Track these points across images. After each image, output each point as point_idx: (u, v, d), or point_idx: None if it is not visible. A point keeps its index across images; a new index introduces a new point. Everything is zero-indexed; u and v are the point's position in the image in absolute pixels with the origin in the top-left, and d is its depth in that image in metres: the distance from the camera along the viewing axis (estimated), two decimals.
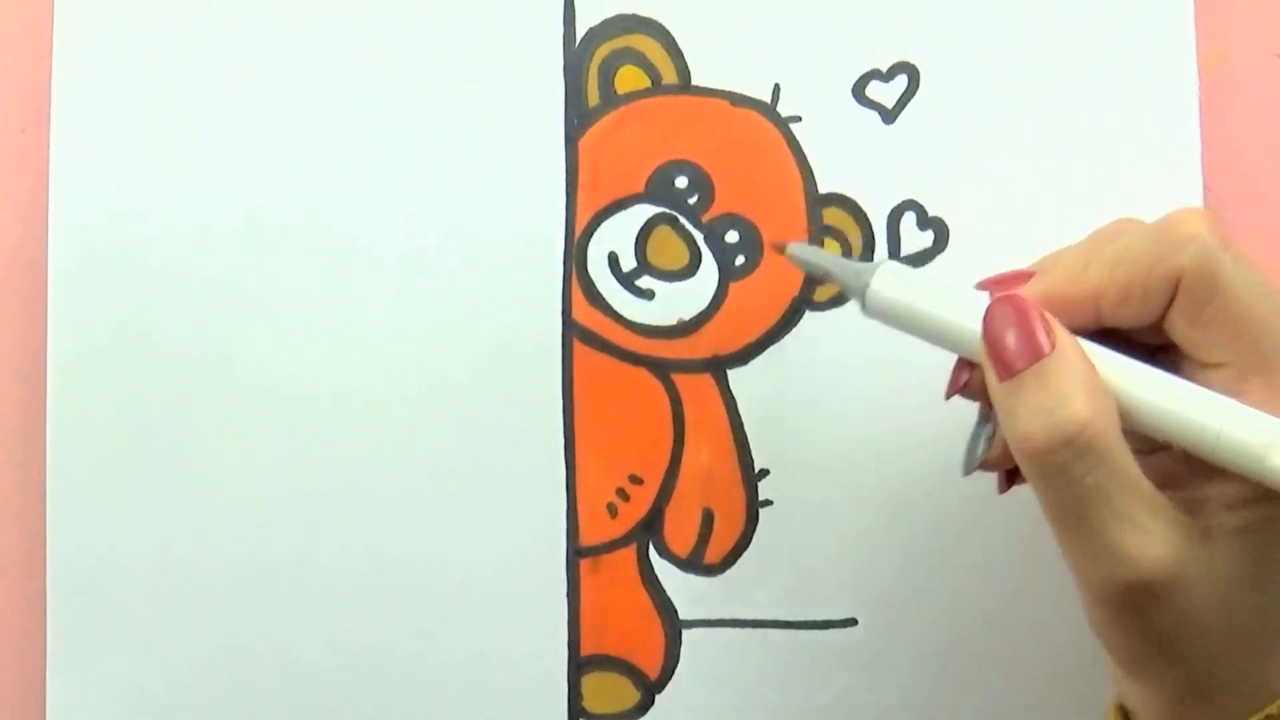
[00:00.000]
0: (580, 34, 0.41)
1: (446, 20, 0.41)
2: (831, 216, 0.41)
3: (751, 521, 0.41)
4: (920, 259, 0.41)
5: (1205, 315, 0.30)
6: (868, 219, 0.41)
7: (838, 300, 0.41)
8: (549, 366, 0.41)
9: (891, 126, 0.41)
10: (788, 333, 0.41)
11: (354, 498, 0.41)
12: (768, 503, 0.41)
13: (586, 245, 0.41)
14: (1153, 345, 0.32)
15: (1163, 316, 0.31)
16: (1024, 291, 0.32)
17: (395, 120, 0.41)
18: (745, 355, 0.41)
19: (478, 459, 0.41)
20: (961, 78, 0.41)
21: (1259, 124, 0.42)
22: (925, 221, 0.41)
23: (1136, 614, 0.30)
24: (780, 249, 0.35)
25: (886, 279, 0.33)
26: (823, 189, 0.41)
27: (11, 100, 0.42)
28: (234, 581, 0.41)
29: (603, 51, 0.41)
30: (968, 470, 0.34)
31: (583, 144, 0.41)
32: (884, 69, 0.41)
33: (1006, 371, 0.31)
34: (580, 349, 0.41)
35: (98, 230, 0.40)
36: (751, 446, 0.41)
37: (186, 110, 0.41)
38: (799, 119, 0.41)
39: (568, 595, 0.41)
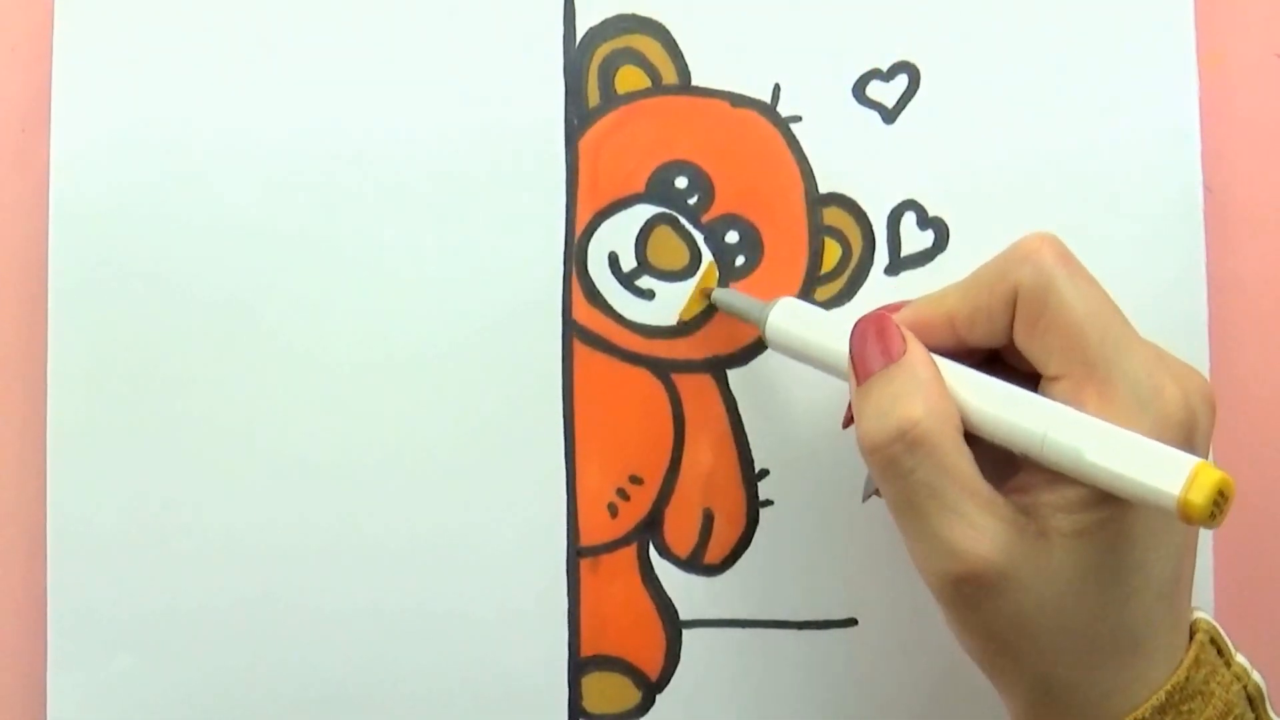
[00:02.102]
0: (580, 34, 0.41)
1: (447, 20, 0.41)
2: (831, 216, 0.41)
3: (751, 521, 0.41)
4: (920, 259, 0.41)
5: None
6: (868, 219, 0.41)
7: (838, 300, 0.41)
8: (549, 366, 0.41)
9: (891, 126, 0.41)
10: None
11: (354, 497, 0.41)
12: (768, 503, 0.41)
13: (586, 245, 0.41)
14: (1035, 375, 0.33)
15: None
16: (893, 315, 0.35)
17: (395, 120, 0.41)
18: (745, 355, 0.41)
19: (478, 459, 0.41)
20: (961, 78, 0.41)
21: (1259, 124, 0.42)
22: (925, 221, 0.41)
23: (971, 608, 0.32)
24: (708, 296, 0.40)
25: (781, 313, 0.37)
26: (823, 189, 0.41)
27: (11, 100, 0.42)
28: (233, 581, 0.41)
29: (603, 51, 0.41)
30: (865, 496, 0.38)
31: (583, 144, 0.41)
32: (884, 69, 0.41)
33: (862, 376, 0.33)
34: (580, 349, 0.41)
35: (98, 230, 0.40)
36: (751, 446, 0.41)
37: (186, 110, 0.41)
38: (799, 119, 0.41)
39: (568, 595, 0.41)
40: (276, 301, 0.41)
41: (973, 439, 0.32)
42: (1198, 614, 0.34)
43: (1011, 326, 0.33)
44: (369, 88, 0.41)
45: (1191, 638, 0.33)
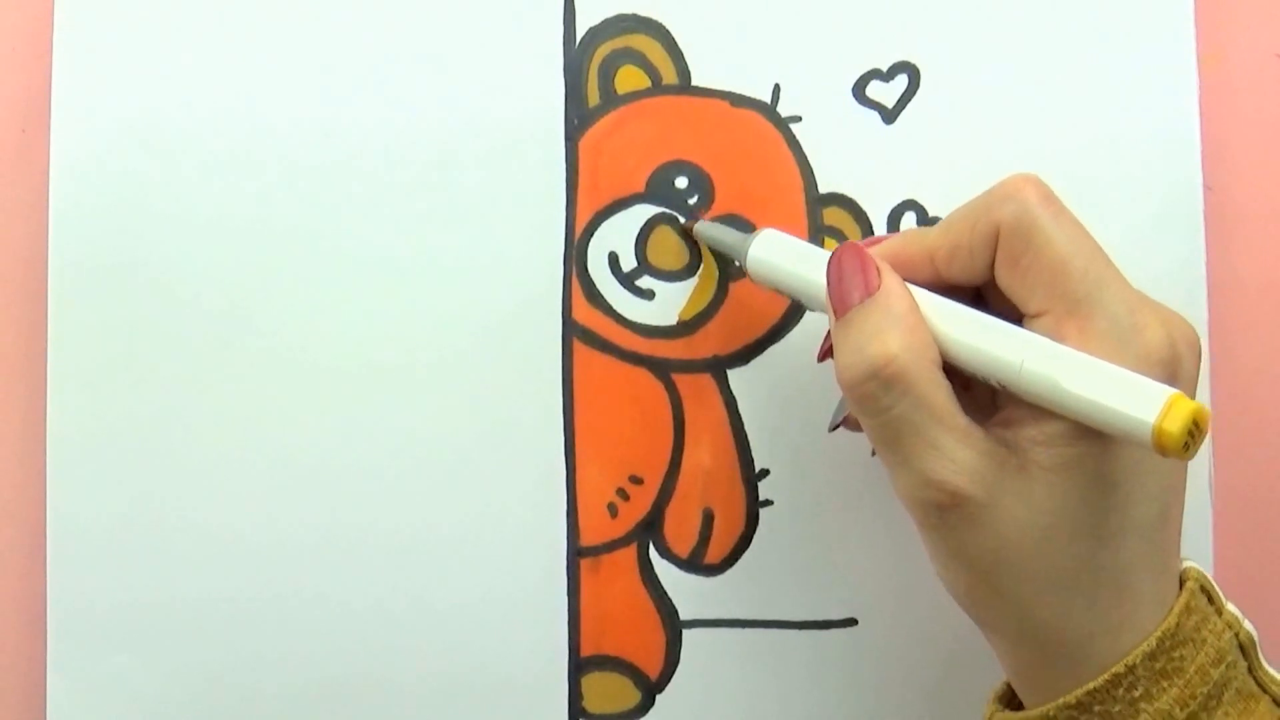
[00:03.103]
0: (580, 34, 0.41)
1: (447, 20, 0.41)
2: (831, 216, 0.41)
3: (751, 521, 0.41)
4: None
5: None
6: (868, 219, 0.41)
7: None
8: (549, 366, 0.41)
9: (891, 126, 0.41)
10: (788, 333, 0.41)
11: (354, 498, 0.41)
12: (768, 503, 0.41)
13: (586, 245, 0.41)
14: (1016, 318, 0.33)
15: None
16: (871, 249, 0.34)
17: (396, 120, 0.41)
18: (745, 355, 0.41)
19: (478, 459, 0.41)
20: (961, 78, 0.41)
21: (1259, 124, 0.42)
22: (925, 221, 0.41)
23: (950, 532, 0.32)
24: (689, 229, 0.40)
25: (763, 244, 0.37)
26: (823, 189, 0.41)
27: (11, 100, 0.42)
28: (233, 581, 0.41)
29: (603, 51, 0.41)
30: (831, 427, 0.38)
31: (583, 144, 0.41)
32: (884, 69, 0.41)
33: (840, 311, 0.33)
34: (580, 349, 0.41)
35: (98, 230, 0.40)
36: (751, 446, 0.41)
37: (186, 111, 0.41)
38: (799, 119, 0.41)
39: (568, 595, 0.41)
40: (275, 301, 0.41)
41: (954, 374, 0.32)
42: (1188, 563, 0.33)
43: (993, 264, 0.33)
44: (369, 88, 0.41)
45: (1182, 587, 0.33)
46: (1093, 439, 0.31)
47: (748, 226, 0.41)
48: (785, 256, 0.37)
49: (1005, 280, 0.33)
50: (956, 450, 0.31)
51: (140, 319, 0.40)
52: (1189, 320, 0.33)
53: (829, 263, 0.34)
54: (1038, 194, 0.32)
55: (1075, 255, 0.32)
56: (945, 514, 0.31)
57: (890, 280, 0.33)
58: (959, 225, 0.34)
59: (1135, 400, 0.29)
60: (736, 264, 0.39)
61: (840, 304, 0.33)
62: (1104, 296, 0.31)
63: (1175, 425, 0.28)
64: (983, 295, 0.35)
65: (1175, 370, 0.31)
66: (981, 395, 0.34)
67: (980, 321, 0.32)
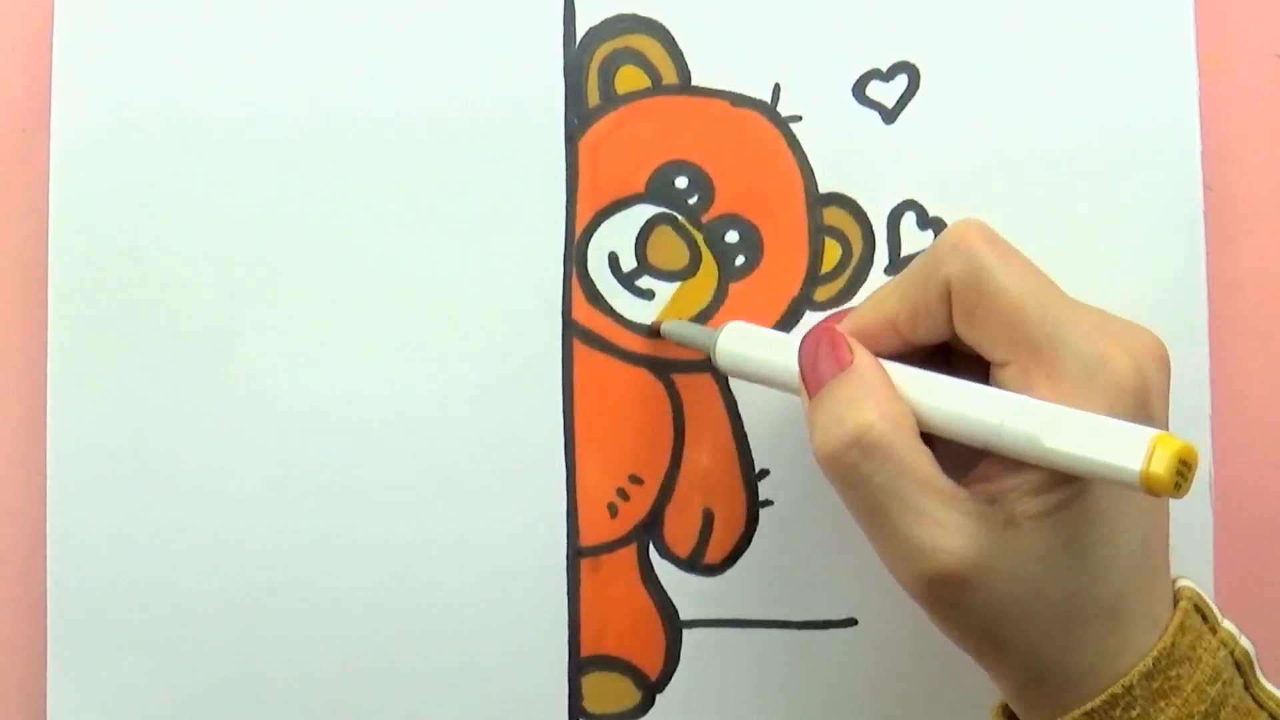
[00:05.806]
0: (580, 34, 0.41)
1: (447, 20, 0.41)
2: (831, 216, 0.41)
3: (751, 521, 0.41)
4: None
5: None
6: (868, 219, 0.41)
7: (837, 300, 0.41)
8: (549, 366, 0.41)
9: (891, 126, 0.41)
10: (788, 332, 0.41)
11: (353, 497, 0.41)
12: (768, 503, 0.41)
13: (586, 245, 0.41)
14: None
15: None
16: (838, 326, 0.35)
17: (395, 120, 0.41)
18: None
19: (478, 459, 0.41)
20: (961, 78, 0.41)
21: (1259, 124, 0.42)
22: (925, 221, 0.41)
23: (950, 605, 0.32)
24: (657, 329, 0.40)
25: (729, 337, 0.37)
26: (823, 189, 0.41)
27: (11, 100, 0.42)
28: (234, 582, 0.41)
29: (603, 51, 0.41)
30: None
31: (583, 144, 0.41)
32: (884, 69, 0.41)
33: (813, 390, 0.33)
34: (580, 349, 0.41)
35: (98, 230, 0.40)
36: (751, 446, 0.41)
37: (186, 110, 0.41)
38: (799, 119, 0.41)
39: (568, 595, 0.41)
40: (275, 301, 0.41)
41: (930, 437, 0.32)
42: (1182, 581, 0.33)
43: (952, 320, 0.33)
44: (368, 88, 0.41)
45: (1176, 606, 0.33)
46: (1075, 480, 0.31)
47: (753, 234, 0.41)
48: (753, 346, 0.37)
49: (965, 333, 0.33)
50: (944, 514, 0.31)
51: (140, 319, 0.40)
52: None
53: (801, 345, 0.34)
54: (982, 240, 0.32)
55: (1028, 298, 0.32)
56: (938, 585, 0.31)
57: (861, 355, 0.33)
58: (912, 287, 0.34)
59: (1119, 448, 0.28)
60: (707, 357, 0.39)
61: (814, 383, 0.33)
62: (1065, 335, 0.31)
63: (1161, 468, 0.28)
64: (951, 349, 0.35)
65: (1146, 395, 0.31)
66: (956, 454, 0.33)
67: (955, 388, 0.32)
